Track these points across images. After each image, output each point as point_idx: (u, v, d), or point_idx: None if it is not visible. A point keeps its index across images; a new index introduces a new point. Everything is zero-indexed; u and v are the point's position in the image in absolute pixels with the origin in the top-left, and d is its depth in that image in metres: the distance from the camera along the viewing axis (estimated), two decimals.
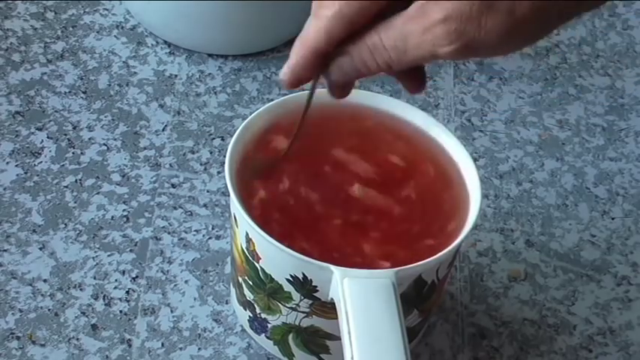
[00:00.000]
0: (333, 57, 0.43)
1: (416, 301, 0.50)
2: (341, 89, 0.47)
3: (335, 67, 0.44)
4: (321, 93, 0.55)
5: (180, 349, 0.55)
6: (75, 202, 0.60)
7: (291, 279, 0.48)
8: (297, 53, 0.44)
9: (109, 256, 0.58)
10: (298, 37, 0.44)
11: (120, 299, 0.56)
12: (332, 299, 0.46)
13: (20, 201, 0.60)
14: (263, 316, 0.52)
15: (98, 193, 0.61)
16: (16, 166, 0.62)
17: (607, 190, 0.66)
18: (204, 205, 0.61)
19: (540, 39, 0.41)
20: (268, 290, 0.50)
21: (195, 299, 0.57)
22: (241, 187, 0.49)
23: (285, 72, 0.44)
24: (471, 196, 0.51)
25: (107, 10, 0.72)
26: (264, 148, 0.51)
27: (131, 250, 0.59)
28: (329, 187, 0.51)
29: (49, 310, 0.55)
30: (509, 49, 0.41)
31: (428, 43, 0.40)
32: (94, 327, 0.55)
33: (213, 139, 0.65)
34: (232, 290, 0.55)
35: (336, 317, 0.46)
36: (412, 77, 0.46)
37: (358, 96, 0.54)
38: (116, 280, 0.57)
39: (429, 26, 0.39)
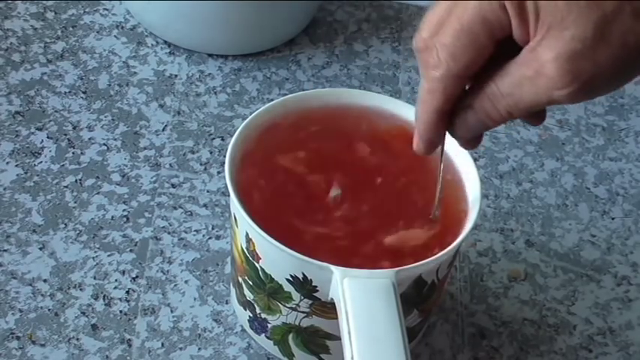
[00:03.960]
0: (456, 113, 0.43)
1: (416, 301, 0.50)
2: (471, 142, 0.46)
3: (459, 123, 0.43)
4: (321, 93, 0.55)
5: (180, 349, 0.55)
6: (75, 202, 0.60)
7: (291, 279, 0.48)
8: (422, 121, 0.43)
9: (109, 256, 0.58)
10: (417, 103, 0.43)
11: (120, 299, 0.56)
12: (332, 299, 0.46)
13: (20, 201, 0.60)
14: (263, 316, 0.52)
15: (98, 193, 0.61)
16: (16, 166, 0.62)
17: (607, 190, 0.66)
18: (204, 205, 0.61)
19: None
20: (268, 290, 0.50)
21: (195, 299, 0.57)
22: (241, 187, 0.49)
23: (417, 142, 0.44)
24: (471, 197, 0.51)
25: (107, 10, 0.72)
26: (265, 150, 0.52)
27: (131, 250, 0.59)
28: (328, 186, 0.51)
29: (49, 310, 0.55)
30: (625, 80, 0.40)
31: (542, 88, 0.39)
32: (94, 327, 0.55)
33: (213, 139, 0.65)
34: (232, 290, 0.55)
35: (336, 317, 0.46)
36: (533, 113, 0.44)
37: (359, 96, 0.54)
38: (116, 280, 0.57)
39: (541, 69, 0.38)
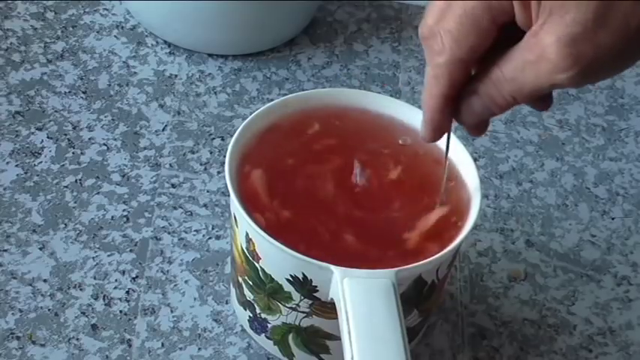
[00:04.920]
0: (462, 99, 0.43)
1: (416, 301, 0.50)
2: (477, 129, 0.46)
3: (464, 108, 0.43)
4: (322, 93, 0.55)
5: (180, 349, 0.55)
6: (75, 202, 0.60)
7: (291, 279, 0.48)
8: (427, 107, 0.44)
9: (109, 256, 0.58)
10: (423, 90, 0.43)
11: (120, 299, 0.56)
12: (332, 299, 0.46)
13: (20, 201, 0.60)
14: (263, 316, 0.52)
15: (98, 193, 0.61)
16: (16, 166, 0.62)
17: (607, 190, 0.66)
18: (204, 205, 0.61)
19: None
20: (268, 290, 0.50)
21: (195, 299, 0.57)
22: (241, 187, 0.49)
23: (424, 130, 0.45)
24: (471, 196, 0.51)
25: (107, 10, 0.72)
26: (265, 149, 0.52)
27: (131, 250, 0.59)
28: (328, 187, 0.51)
29: (49, 310, 0.55)
30: (627, 64, 0.40)
31: (544, 72, 0.39)
32: (94, 327, 0.55)
33: (213, 139, 0.65)
34: (232, 290, 0.55)
35: (336, 317, 0.46)
36: (539, 97, 0.44)
37: (358, 96, 0.54)
38: (116, 280, 0.57)
39: (543, 53, 0.38)
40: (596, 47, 0.38)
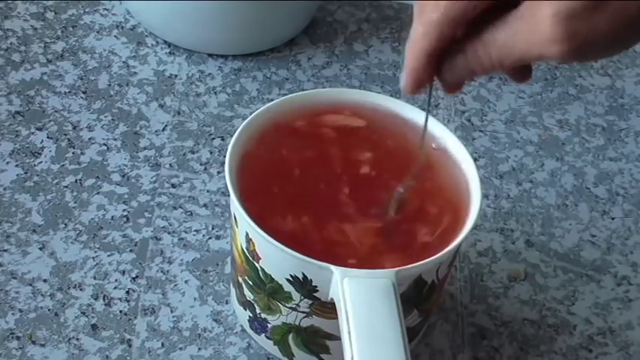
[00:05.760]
0: (447, 56, 0.43)
1: (416, 301, 0.50)
2: (453, 87, 0.47)
3: (448, 66, 0.44)
4: (322, 93, 0.55)
5: (180, 349, 0.55)
6: (75, 202, 0.60)
7: (291, 279, 0.48)
8: (412, 58, 0.44)
9: (109, 256, 0.58)
10: (408, 41, 0.44)
11: (120, 299, 0.56)
12: (332, 299, 0.46)
13: (20, 201, 0.60)
14: (263, 316, 0.52)
15: (98, 193, 0.61)
16: (16, 166, 0.62)
17: (607, 190, 0.66)
18: (204, 205, 0.61)
19: None
20: (268, 290, 0.50)
21: (195, 299, 0.57)
22: (241, 187, 0.49)
23: (404, 79, 0.45)
24: (471, 196, 0.51)
25: (107, 10, 0.72)
26: (266, 149, 0.52)
27: (131, 250, 0.59)
28: (329, 186, 0.51)
29: (49, 310, 0.55)
30: (617, 49, 0.41)
31: (536, 42, 0.39)
32: (94, 327, 0.55)
33: (213, 139, 0.65)
34: (232, 290, 0.55)
35: (336, 317, 0.46)
36: (519, 69, 0.45)
37: (358, 95, 0.54)
38: (116, 280, 0.57)
39: (538, 24, 0.39)
40: (591, 27, 0.38)
